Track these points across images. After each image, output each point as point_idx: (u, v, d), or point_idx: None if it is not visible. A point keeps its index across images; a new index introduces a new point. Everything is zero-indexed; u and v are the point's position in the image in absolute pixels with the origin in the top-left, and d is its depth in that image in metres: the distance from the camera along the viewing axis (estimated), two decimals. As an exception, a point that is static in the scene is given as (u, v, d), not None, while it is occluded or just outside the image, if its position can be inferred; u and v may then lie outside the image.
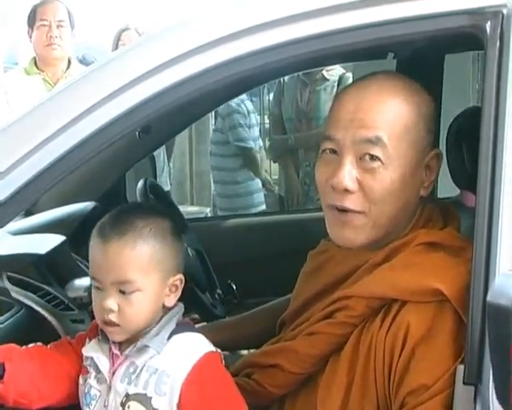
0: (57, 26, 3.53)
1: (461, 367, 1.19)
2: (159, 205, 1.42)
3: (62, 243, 1.88)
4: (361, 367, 1.31)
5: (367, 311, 1.33)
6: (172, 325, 1.32)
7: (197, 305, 1.39)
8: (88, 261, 1.99)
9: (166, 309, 1.34)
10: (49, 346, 1.38)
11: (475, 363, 1.16)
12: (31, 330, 1.69)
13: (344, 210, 1.32)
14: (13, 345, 1.35)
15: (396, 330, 1.27)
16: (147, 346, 1.30)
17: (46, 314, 1.68)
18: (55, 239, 1.89)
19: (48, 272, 1.81)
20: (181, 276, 1.34)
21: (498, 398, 1.10)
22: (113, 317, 1.28)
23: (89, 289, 1.81)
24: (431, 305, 1.26)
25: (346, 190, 1.30)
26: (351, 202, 1.31)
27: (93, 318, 1.76)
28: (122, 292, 1.28)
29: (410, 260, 1.33)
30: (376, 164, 1.29)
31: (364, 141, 1.29)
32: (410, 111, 1.32)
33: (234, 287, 2.21)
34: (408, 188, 1.32)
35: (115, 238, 1.28)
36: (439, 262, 1.31)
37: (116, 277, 1.27)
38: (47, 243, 1.87)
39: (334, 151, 1.33)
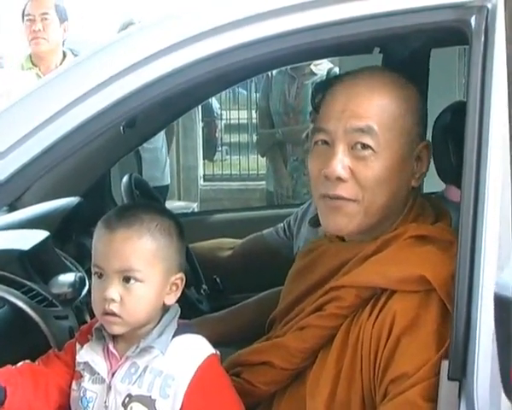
0: (41, 20, 3.52)
1: (445, 363, 1.18)
2: (164, 206, 1.44)
3: (46, 239, 1.87)
4: (349, 357, 1.31)
5: (357, 301, 1.33)
6: (174, 326, 1.33)
7: (182, 300, 1.39)
8: (72, 257, 2.00)
9: (165, 308, 1.34)
10: (37, 362, 1.37)
11: (460, 358, 1.16)
12: (14, 327, 1.67)
13: (337, 198, 1.34)
14: (8, 366, 1.33)
15: (383, 319, 1.28)
16: (150, 347, 1.30)
17: (29, 311, 1.66)
18: (39, 235, 1.88)
19: (31, 268, 1.79)
20: (182, 275, 1.35)
21: (506, 392, 1.08)
22: (114, 307, 1.27)
23: (73, 285, 1.80)
24: (417, 295, 1.27)
25: (339, 179, 1.32)
26: (343, 190, 1.33)
27: (77, 314, 1.76)
28: (125, 282, 1.28)
29: (400, 252, 1.35)
30: (368, 152, 1.32)
31: (356, 130, 1.32)
32: (398, 104, 1.35)
33: (219, 282, 2.20)
34: (398, 177, 1.35)
35: (122, 228, 1.29)
36: (428, 254, 1.33)
37: (120, 264, 1.28)
38: (30, 238, 1.86)
39: (326, 142, 1.36)
